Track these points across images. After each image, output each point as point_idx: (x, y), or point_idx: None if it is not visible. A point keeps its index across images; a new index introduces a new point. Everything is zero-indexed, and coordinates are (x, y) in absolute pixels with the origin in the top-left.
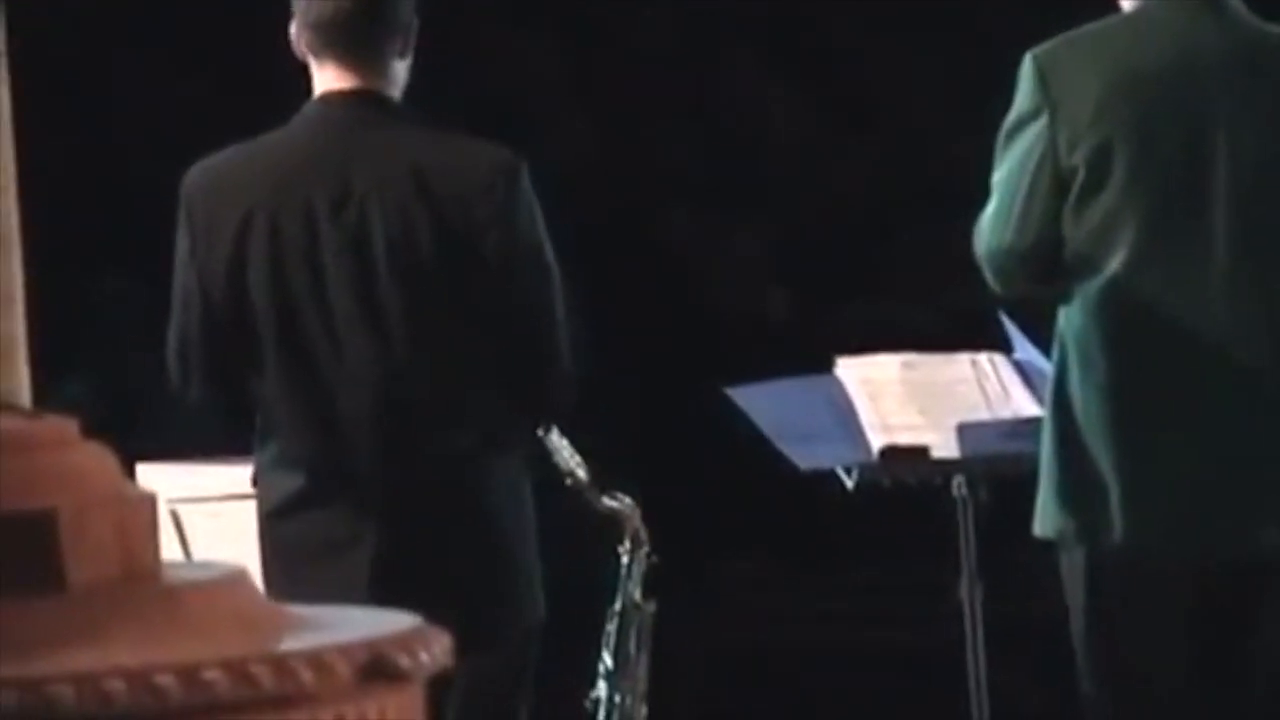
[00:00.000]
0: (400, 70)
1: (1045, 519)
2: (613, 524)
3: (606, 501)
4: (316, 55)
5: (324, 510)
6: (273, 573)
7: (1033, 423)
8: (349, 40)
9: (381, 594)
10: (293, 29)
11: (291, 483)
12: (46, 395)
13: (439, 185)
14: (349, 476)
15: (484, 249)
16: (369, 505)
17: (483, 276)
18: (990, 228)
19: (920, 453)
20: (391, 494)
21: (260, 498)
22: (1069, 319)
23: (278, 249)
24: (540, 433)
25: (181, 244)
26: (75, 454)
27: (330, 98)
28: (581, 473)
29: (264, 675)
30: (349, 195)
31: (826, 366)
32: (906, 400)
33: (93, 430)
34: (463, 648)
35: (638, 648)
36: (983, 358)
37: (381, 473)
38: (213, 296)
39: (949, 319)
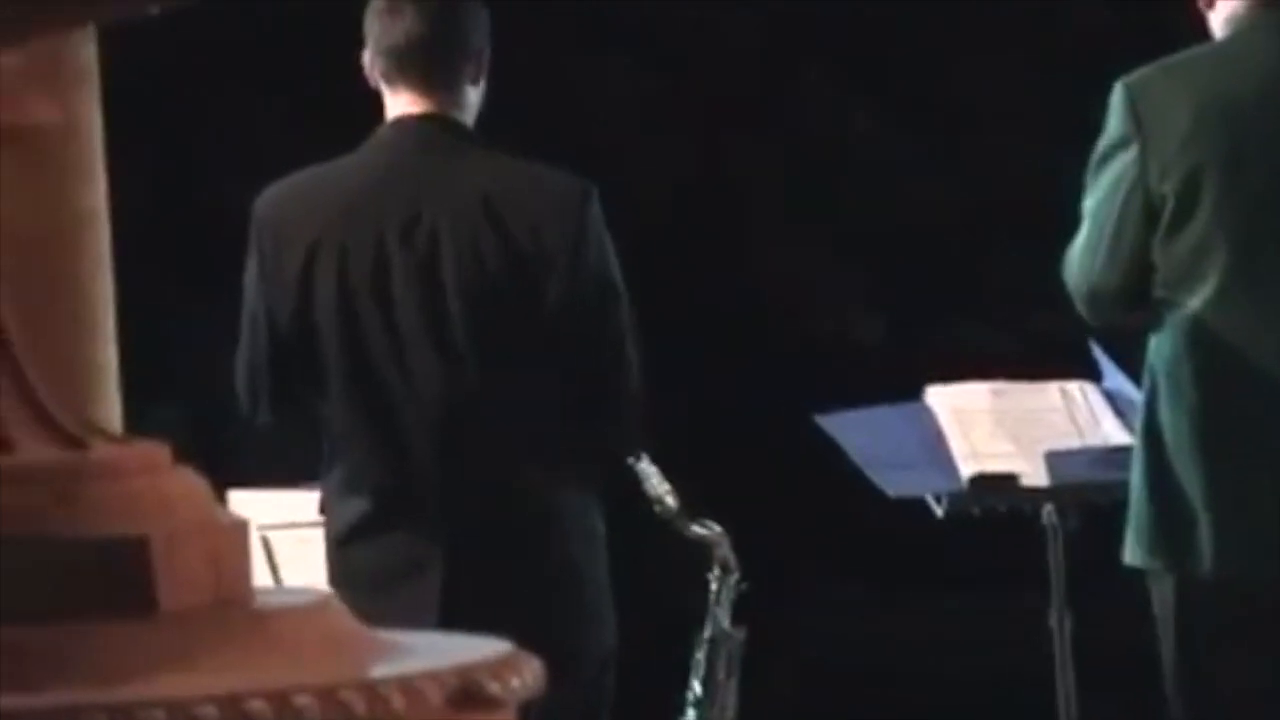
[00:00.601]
0: (473, 96)
1: (1135, 548)
2: (702, 551)
3: (695, 529)
4: (389, 81)
5: (391, 537)
6: (342, 599)
7: (1122, 451)
8: (422, 66)
9: (450, 622)
10: (365, 56)
11: (358, 509)
12: (139, 420)
13: (509, 212)
14: (416, 502)
15: (553, 275)
16: (436, 532)
17: (551, 303)
18: (1080, 256)
19: (1010, 481)
20: (458, 521)
21: (327, 524)
22: (1159, 347)
23: (346, 274)
24: (631, 461)
25: (251, 268)
26: (167, 480)
27: (403, 122)
28: (670, 500)
29: (355, 701)
30: (419, 221)
31: (916, 394)
32: (996, 428)
33: (185, 456)
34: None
35: (727, 675)
36: (1073, 386)
37: (448, 499)
38: (280, 321)
39: (1039, 346)
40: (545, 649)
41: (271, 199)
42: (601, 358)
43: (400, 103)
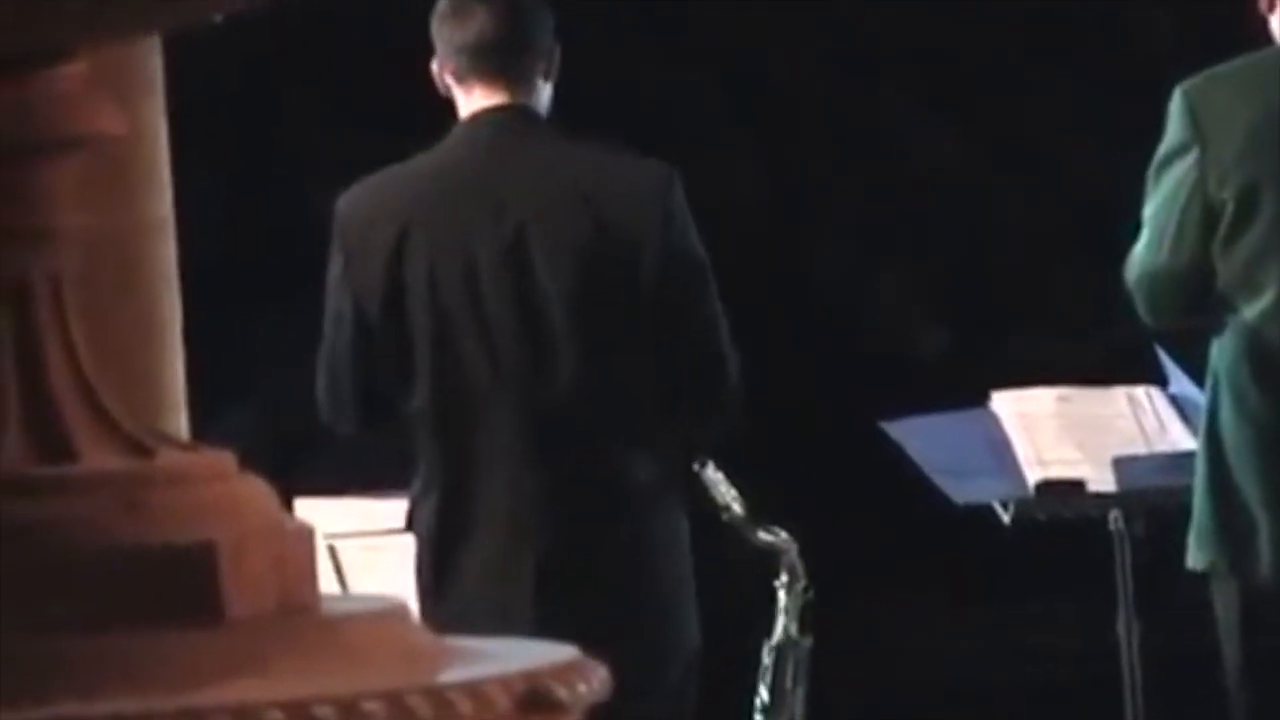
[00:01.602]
0: (545, 92)
1: (1198, 552)
2: (769, 558)
3: (763, 535)
4: (462, 80)
5: (483, 535)
6: (432, 601)
7: (1189, 457)
8: (495, 60)
9: (544, 620)
10: (434, 63)
11: (448, 508)
12: (208, 427)
13: (596, 195)
14: (508, 499)
15: (643, 257)
16: (528, 530)
17: (643, 285)
18: (1141, 260)
19: (1076, 487)
20: (551, 518)
21: (417, 525)
22: (1221, 352)
23: (434, 265)
24: (697, 467)
25: (334, 266)
26: (233, 487)
27: (481, 115)
28: (738, 507)
29: (422, 707)
30: (505, 208)
31: (982, 402)
32: (1062, 434)
33: (253, 462)
34: (625, 674)
35: (794, 682)
36: (1139, 391)
37: (540, 495)
38: (368, 317)
39: (1105, 356)
40: (636, 649)
41: (355, 196)
42: (695, 342)
43: (475, 100)
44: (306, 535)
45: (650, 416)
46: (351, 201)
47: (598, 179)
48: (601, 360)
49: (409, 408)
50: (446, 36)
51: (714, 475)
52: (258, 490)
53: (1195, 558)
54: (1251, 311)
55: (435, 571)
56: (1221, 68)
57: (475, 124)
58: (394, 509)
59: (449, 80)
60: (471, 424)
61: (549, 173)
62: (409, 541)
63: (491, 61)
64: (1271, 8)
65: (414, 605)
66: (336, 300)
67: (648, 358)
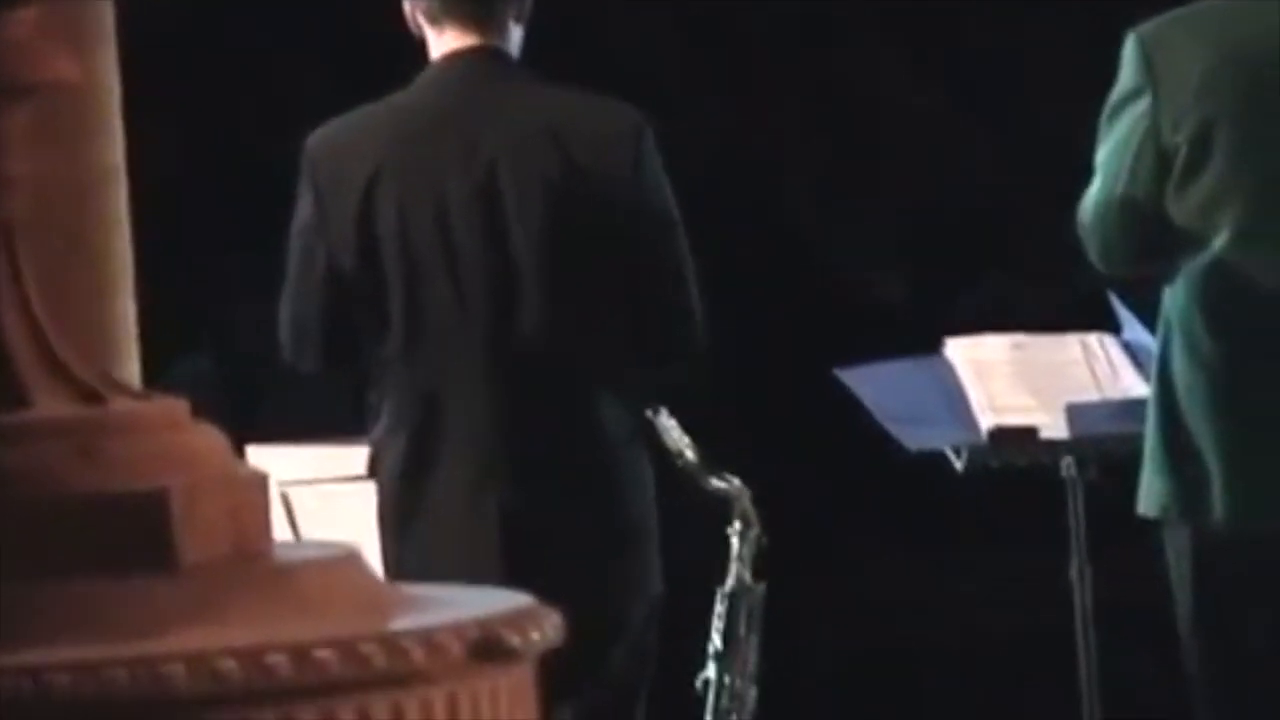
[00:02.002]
0: (517, 35)
1: (1149, 497)
2: (722, 504)
3: (715, 482)
4: (435, 21)
5: (449, 472)
6: (398, 540)
7: (1142, 403)
8: (468, 2)
9: (511, 560)
10: (406, 2)
11: (415, 445)
12: (166, 373)
13: (568, 136)
14: (473, 435)
15: (615, 201)
16: (495, 467)
17: (613, 225)
18: (1093, 206)
19: (1029, 434)
20: (518, 456)
21: (380, 464)
22: (1173, 298)
23: (405, 204)
24: (650, 414)
25: (303, 207)
26: (186, 435)
27: (453, 56)
28: (690, 454)
29: (375, 654)
30: (477, 147)
31: (936, 349)
32: (1015, 381)
33: (211, 407)
34: (588, 613)
35: (747, 629)
36: (1092, 338)
37: (508, 432)
38: (339, 256)
39: (1064, 302)
40: (600, 588)
41: (324, 136)
42: (663, 288)
43: (446, 40)
44: (260, 483)
45: (618, 359)
46: (322, 140)
47: (569, 121)
48: (570, 301)
49: (378, 346)
50: None
51: (667, 422)
52: (211, 438)
53: (1147, 504)
54: (1205, 256)
55: (401, 511)
56: (1175, 12)
57: (447, 65)
58: (348, 456)
59: (421, 20)
60: (440, 362)
61: (520, 113)
62: (363, 488)
63: (465, 3)
64: None
65: (369, 552)
66: (305, 240)
67: (616, 301)
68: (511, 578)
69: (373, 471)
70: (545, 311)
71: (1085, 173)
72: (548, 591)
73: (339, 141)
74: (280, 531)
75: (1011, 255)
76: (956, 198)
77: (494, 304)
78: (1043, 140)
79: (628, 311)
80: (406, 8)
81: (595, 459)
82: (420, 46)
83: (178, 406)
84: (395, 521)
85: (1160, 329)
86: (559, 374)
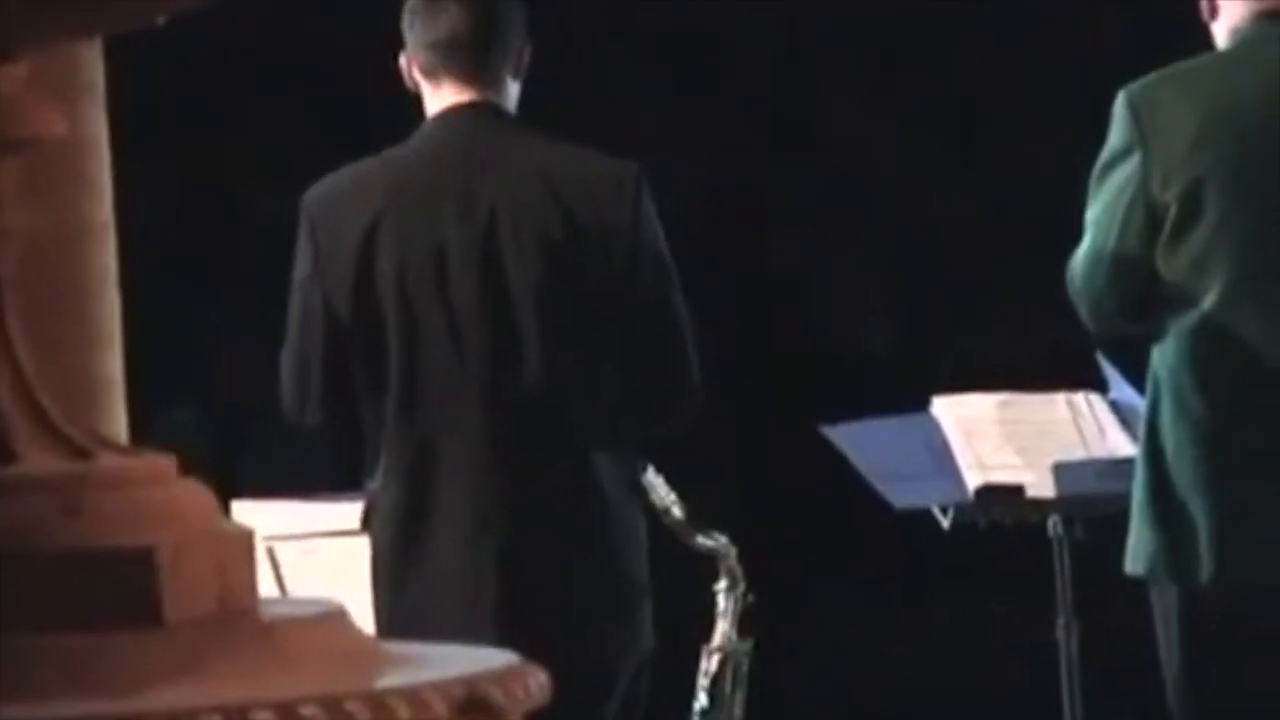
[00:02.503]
0: (514, 90)
1: (1137, 556)
2: (709, 562)
3: (702, 540)
4: (432, 76)
5: (445, 528)
6: (393, 594)
7: (1129, 462)
8: (466, 57)
9: (506, 617)
10: (402, 58)
11: (410, 497)
12: (152, 425)
13: (566, 189)
14: (470, 488)
15: (612, 255)
16: (492, 522)
17: (611, 279)
18: (1083, 265)
19: (1016, 492)
20: (513, 508)
21: (376, 516)
22: (1162, 357)
23: (403, 258)
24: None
25: (303, 260)
26: (173, 490)
27: (450, 110)
28: (677, 510)
29: (360, 712)
30: (475, 200)
31: (924, 404)
32: (1003, 439)
33: (197, 460)
34: (580, 667)
35: (733, 686)
36: (1079, 397)
37: (503, 486)
38: (338, 309)
39: (1051, 356)
40: (592, 643)
41: (323, 189)
42: (660, 342)
43: (444, 95)
44: (245, 539)
45: (614, 413)
46: (320, 194)
47: (566, 173)
48: (567, 355)
49: (376, 398)
50: (418, 31)
51: (653, 479)
52: (197, 494)
53: (1134, 563)
54: (1194, 316)
55: (396, 564)
56: (1164, 72)
57: (444, 119)
58: (334, 512)
59: (418, 75)
60: (437, 415)
61: (518, 167)
62: (349, 544)
63: (462, 58)
64: (1213, 14)
65: (356, 607)
66: (305, 294)
67: (613, 354)
68: (507, 632)
69: (367, 523)
70: (542, 364)
71: (1074, 228)
72: (542, 645)
73: (337, 195)
74: (266, 587)
75: (1000, 310)
76: (946, 251)
77: (491, 357)
78: (1032, 195)
79: (624, 364)
80: (403, 63)
81: (591, 513)
82: (416, 101)
83: (165, 462)
84: (390, 574)
85: (1149, 388)
86: (555, 427)
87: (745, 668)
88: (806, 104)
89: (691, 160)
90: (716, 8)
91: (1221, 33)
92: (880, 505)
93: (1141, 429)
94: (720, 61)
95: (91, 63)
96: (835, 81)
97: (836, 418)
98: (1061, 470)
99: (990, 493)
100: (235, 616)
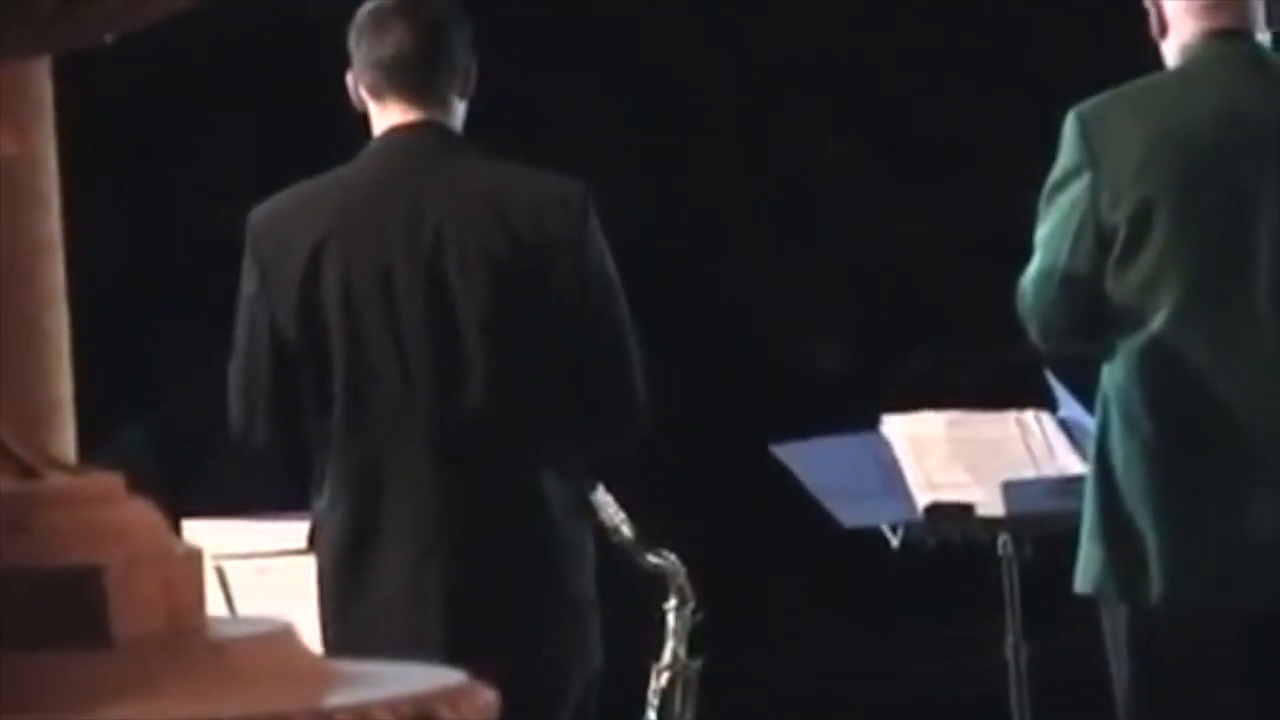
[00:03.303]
0: (460, 110)
1: (1086, 575)
2: (658, 580)
3: (651, 559)
4: (378, 95)
5: (393, 548)
6: (339, 616)
7: (1078, 481)
8: (412, 77)
9: (454, 638)
10: (349, 77)
11: (357, 518)
12: (102, 445)
13: (512, 209)
14: (416, 509)
15: (558, 275)
16: (438, 543)
17: (557, 299)
18: (1033, 284)
19: (965, 510)
20: (459, 530)
21: (322, 537)
22: (1112, 376)
23: (349, 279)
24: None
25: (249, 280)
26: (121, 510)
27: (396, 130)
28: (626, 529)
29: None
30: (422, 221)
31: (873, 423)
32: (952, 458)
33: (147, 481)
34: (529, 688)
35: (683, 705)
36: (1028, 416)
37: (449, 508)
38: (284, 328)
39: (1002, 374)
40: (541, 664)
41: (268, 209)
42: (606, 362)
43: (390, 115)
44: (194, 558)
45: (560, 433)
46: (266, 214)
47: (513, 193)
48: (514, 375)
49: (323, 418)
50: (364, 50)
51: (603, 497)
52: (146, 513)
53: (1084, 582)
54: (1144, 335)
55: (343, 584)
56: (1114, 91)
57: (390, 139)
58: (283, 530)
59: (364, 94)
60: (383, 436)
61: (465, 188)
62: (298, 563)
63: (408, 78)
64: (1163, 33)
65: (305, 626)
66: (251, 314)
67: (560, 374)
68: (453, 652)
69: (313, 543)
70: (488, 384)
71: (1024, 247)
72: (490, 665)
73: (283, 215)
74: (215, 606)
75: (949, 329)
76: (895, 270)
77: (438, 377)
78: (982, 214)
79: (571, 384)
80: (349, 81)
81: (537, 533)
82: (363, 120)
83: (113, 481)
84: (337, 594)
85: (1099, 407)
86: (502, 447)
87: (694, 686)
88: (758, 125)
89: (641, 180)
90: (667, 30)
91: (1171, 52)
92: (830, 524)
93: (1091, 448)
94: (671, 83)
95: (40, 80)
96: (786, 103)
97: (786, 437)
98: (1011, 489)
99: (940, 511)
100: (184, 635)
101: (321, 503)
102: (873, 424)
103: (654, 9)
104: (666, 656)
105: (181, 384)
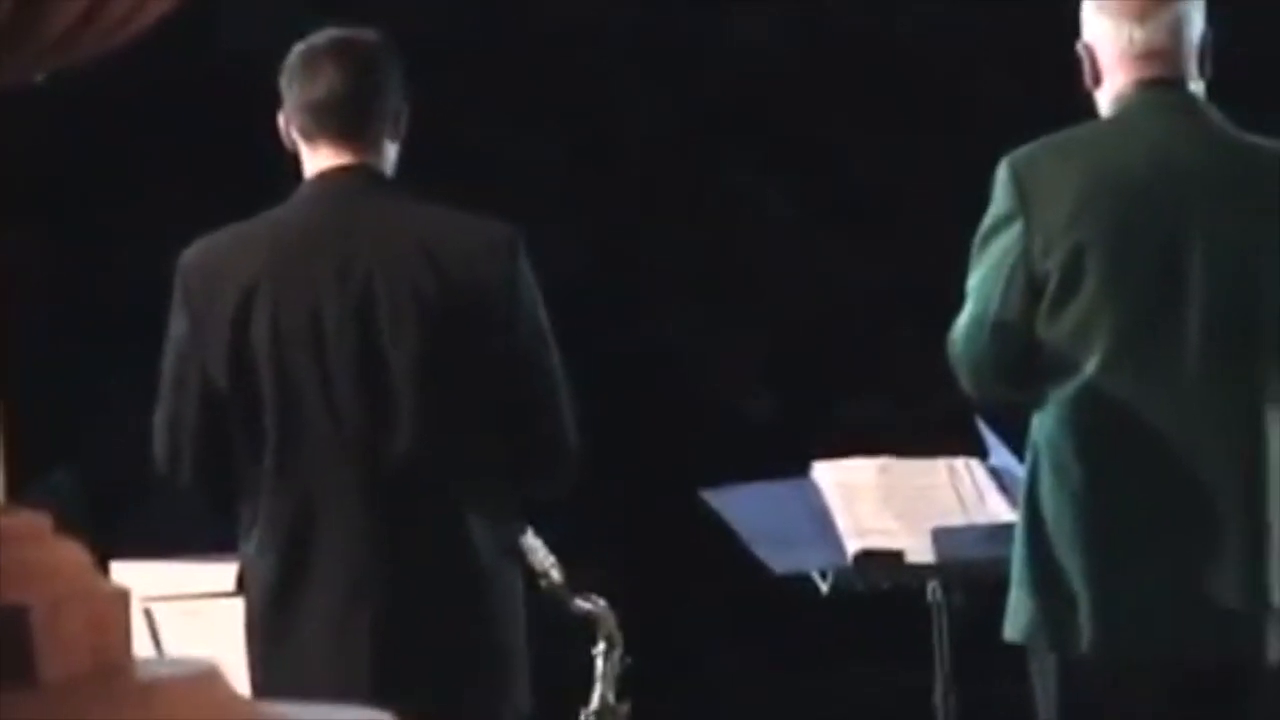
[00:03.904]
0: (391, 153)
1: (1016, 623)
2: (587, 625)
3: (580, 603)
4: (309, 138)
5: (322, 594)
6: (266, 661)
7: (1008, 528)
8: (342, 120)
9: (381, 682)
10: (280, 117)
11: (285, 563)
12: (30, 486)
13: (444, 254)
14: (345, 554)
15: (490, 316)
16: (366, 589)
17: (489, 344)
18: (964, 332)
19: (895, 557)
20: (389, 577)
21: (251, 581)
22: (1041, 424)
23: (279, 323)
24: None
25: (178, 324)
26: (48, 549)
27: (327, 174)
28: (556, 574)
29: None
30: (350, 268)
31: (804, 469)
32: (882, 504)
33: (75, 522)
34: None
35: None
36: (959, 463)
37: (378, 554)
38: (213, 371)
39: (933, 422)
40: (470, 710)
41: (200, 250)
42: (536, 407)
43: (321, 158)
44: (121, 598)
45: (491, 478)
46: (195, 257)
47: (443, 237)
48: (444, 420)
49: (251, 462)
50: (295, 92)
51: (532, 542)
52: (73, 553)
53: (1014, 630)
54: (1074, 383)
55: (271, 629)
56: (1046, 140)
57: (320, 183)
58: (212, 571)
59: (295, 136)
60: (313, 483)
61: (395, 232)
62: (225, 605)
63: (338, 120)
64: (1096, 82)
65: (234, 668)
66: (181, 353)
67: (490, 419)
68: (381, 696)
69: (242, 586)
70: (418, 430)
71: (955, 294)
72: (417, 709)
73: (213, 258)
74: (143, 647)
75: (880, 376)
76: (826, 317)
77: (367, 422)
78: (913, 261)
79: (502, 428)
80: (281, 122)
81: (467, 577)
82: (295, 161)
83: (40, 521)
84: (265, 640)
85: (1029, 455)
86: (431, 493)
87: None
88: (687, 173)
89: (574, 224)
90: (601, 75)
91: (1104, 101)
92: (760, 570)
93: (1021, 495)
94: (604, 126)
95: None
96: (716, 150)
97: (717, 482)
98: (941, 536)
99: (869, 558)
100: (110, 675)
101: (250, 546)
102: (803, 470)
103: (588, 51)
104: (595, 701)
105: (111, 426)
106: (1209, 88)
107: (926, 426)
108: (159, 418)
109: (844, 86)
